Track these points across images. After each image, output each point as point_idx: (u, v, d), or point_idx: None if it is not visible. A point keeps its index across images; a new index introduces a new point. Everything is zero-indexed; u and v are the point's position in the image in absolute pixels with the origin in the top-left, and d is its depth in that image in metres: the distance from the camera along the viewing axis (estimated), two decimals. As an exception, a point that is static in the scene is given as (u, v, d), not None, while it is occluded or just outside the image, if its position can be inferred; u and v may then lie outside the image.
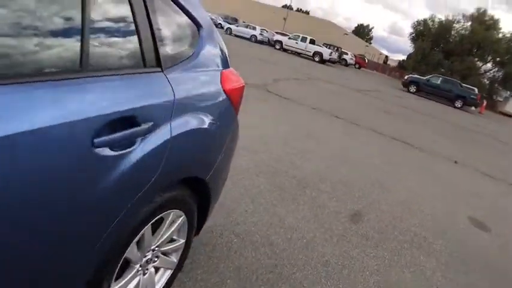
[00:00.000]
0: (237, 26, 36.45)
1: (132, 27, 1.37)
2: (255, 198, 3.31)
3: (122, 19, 1.38)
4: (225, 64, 1.98)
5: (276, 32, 37.83)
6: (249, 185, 3.56)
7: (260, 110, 6.86)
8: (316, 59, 30.17)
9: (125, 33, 1.39)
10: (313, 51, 30.66)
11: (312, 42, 31.28)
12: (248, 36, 33.74)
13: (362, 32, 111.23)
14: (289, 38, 32.28)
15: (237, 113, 2.04)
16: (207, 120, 1.70)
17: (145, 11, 1.41)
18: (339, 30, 69.15)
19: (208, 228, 2.65)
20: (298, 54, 31.38)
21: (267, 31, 36.47)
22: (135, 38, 1.38)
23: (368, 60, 52.30)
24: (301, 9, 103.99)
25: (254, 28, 34.64)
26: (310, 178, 4.17)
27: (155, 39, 1.45)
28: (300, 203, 3.49)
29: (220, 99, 1.85)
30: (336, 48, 38.26)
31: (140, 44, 1.39)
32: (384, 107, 13.04)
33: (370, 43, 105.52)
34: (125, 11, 1.36)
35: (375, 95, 16.54)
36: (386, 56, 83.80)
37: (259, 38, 33.80)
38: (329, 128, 7.09)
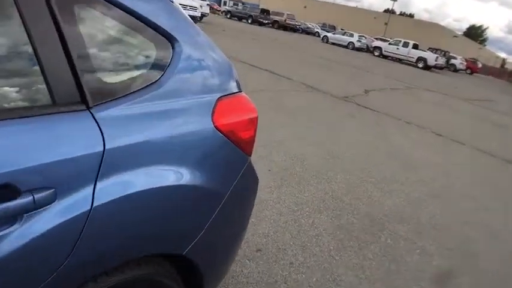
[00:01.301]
0: (334, 34, 35.50)
1: (28, 48, 0.89)
2: (308, 245, 2.67)
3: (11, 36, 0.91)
4: (228, 88, 1.44)
5: (376, 38, 35.98)
6: (305, 224, 2.93)
7: (341, 127, 6.12)
8: (420, 65, 27.86)
9: (16, 58, 0.92)
10: (416, 57, 28.39)
11: (415, 47, 29.02)
12: (345, 44, 32.64)
13: (474, 33, 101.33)
14: (390, 44, 30.38)
15: (247, 157, 1.48)
16: (173, 176, 1.17)
17: (51, 22, 0.92)
18: (448, 32, 63.83)
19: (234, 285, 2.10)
20: (400, 60, 29.32)
21: (365, 37, 34.92)
22: (32, 64, 0.90)
23: (481, 64, 47.13)
24: (404, 13, 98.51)
25: (351, 35, 33.39)
26: (389, 217, 3.38)
27: (73, 64, 0.95)
28: (368, 255, 2.75)
29: (208, 141, 1.30)
30: (443, 53, 35.08)
31: (43, 72, 0.91)
32: (498, 121, 11.22)
33: (484, 45, 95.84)
34: (15, 25, 0.88)
35: (487, 106, 14.46)
36: (504, 59, 75.08)
37: (356, 45, 32.48)
38: (422, 146, 6.06)
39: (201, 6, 20.04)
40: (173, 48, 1.26)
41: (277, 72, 9.95)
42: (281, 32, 33.64)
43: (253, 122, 1.48)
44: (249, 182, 1.58)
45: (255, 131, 1.51)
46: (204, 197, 1.32)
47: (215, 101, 1.35)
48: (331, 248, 2.71)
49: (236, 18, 37.61)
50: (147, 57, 1.23)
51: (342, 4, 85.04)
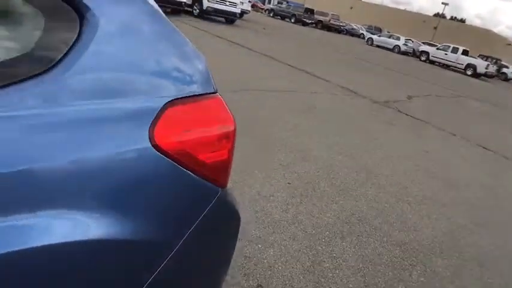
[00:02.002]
0: (379, 36, 34.33)
1: None
2: (321, 281, 2.23)
3: None
4: (188, 88, 1.02)
5: (423, 42, 34.46)
6: (322, 252, 2.49)
7: (378, 136, 5.58)
8: (469, 72, 26.31)
9: None
10: (465, 64, 26.85)
11: (465, 53, 27.46)
12: (391, 47, 31.54)
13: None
14: (438, 49, 28.93)
15: (215, 189, 1.08)
16: (67, 229, 0.79)
17: None
18: (500, 40, 60.44)
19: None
20: (447, 67, 27.87)
21: (412, 41, 33.55)
22: None
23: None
24: (455, 18, 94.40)
25: (398, 38, 32.16)
26: (425, 248, 2.87)
27: None
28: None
29: (141, 168, 0.91)
30: (494, 61, 33.12)
31: None
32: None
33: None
34: None
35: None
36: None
37: (402, 48, 31.28)
38: (468, 162, 5.41)
39: (241, 2, 19.72)
40: (82, 21, 0.86)
41: (314, 72, 9.46)
42: (324, 33, 32.92)
43: (227, 139, 1.06)
44: (220, 224, 1.16)
45: (231, 151, 1.09)
46: (132, 255, 0.91)
47: (160, 106, 0.94)
48: (350, 286, 2.26)
49: (279, 17, 37.14)
50: (29, 32, 0.84)
51: (390, 6, 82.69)
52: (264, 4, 48.26)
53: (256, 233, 2.54)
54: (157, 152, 0.92)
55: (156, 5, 1.08)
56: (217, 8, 17.26)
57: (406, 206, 3.48)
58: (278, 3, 41.73)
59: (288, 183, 3.35)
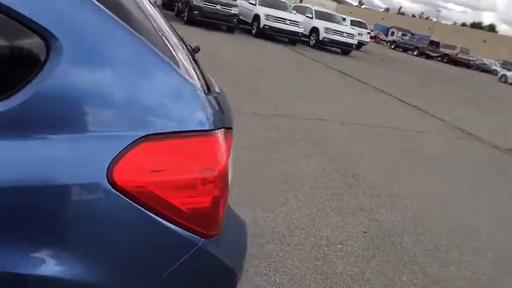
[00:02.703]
0: (517, 73, 30.74)
1: None
2: None
3: None
4: (170, 121, 0.90)
5: None
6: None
7: (493, 193, 4.78)
8: None
9: None
10: None
11: None
12: (529, 86, 27.90)
13: None
14: None
15: (194, 240, 0.93)
16: None
17: None
18: None
19: None
20: None
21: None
22: None
23: None
24: None
25: (540, 76, 28.39)
26: None
27: None
28: None
29: (95, 207, 0.84)
30: None
31: None
32: None
33: None
34: None
35: None
36: None
37: (545, 88, 27.43)
38: None
39: (359, 33, 19.39)
40: (48, 46, 0.79)
41: (425, 108, 8.68)
42: (450, 67, 30.63)
43: (212, 184, 0.93)
44: (201, 281, 1.00)
45: (217, 198, 0.94)
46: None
47: (128, 142, 0.84)
48: None
49: (400, 49, 35.71)
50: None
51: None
52: (386, 36, 46.95)
53: (310, 283, 2.25)
54: (115, 191, 0.83)
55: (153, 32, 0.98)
56: (334, 38, 17.15)
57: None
58: (402, 35, 40.21)
59: (364, 231, 2.97)
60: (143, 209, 0.86)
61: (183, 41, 1.68)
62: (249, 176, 3.42)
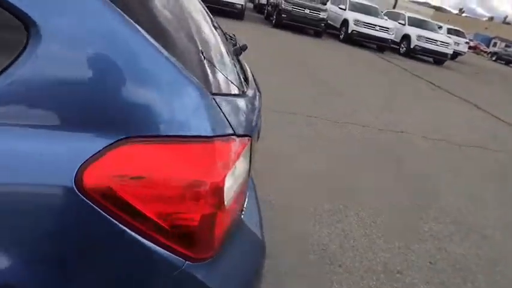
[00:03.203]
0: None
1: None
2: None
3: None
4: (158, 123, 0.80)
5: None
6: None
7: None
8: None
9: None
10: None
11: None
12: None
13: None
14: None
15: (177, 262, 0.84)
16: None
17: None
18: None
19: None
20: None
21: None
22: None
23: None
24: None
25: None
26: None
27: None
28: None
29: (57, 210, 0.77)
30: None
31: None
32: None
33: None
34: None
35: None
36: None
37: None
38: None
39: (456, 43, 17.98)
40: (28, 36, 0.75)
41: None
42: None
43: (200, 198, 0.82)
44: None
45: (209, 217, 0.84)
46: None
47: (109, 143, 0.77)
48: None
49: (503, 62, 32.58)
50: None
51: None
52: (488, 47, 43.21)
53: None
54: (81, 196, 0.76)
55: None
56: (426, 47, 16.11)
57: None
58: (506, 46, 36.69)
59: (430, 262, 2.67)
60: (113, 219, 0.78)
61: (226, 39, 1.61)
62: (312, 187, 3.27)
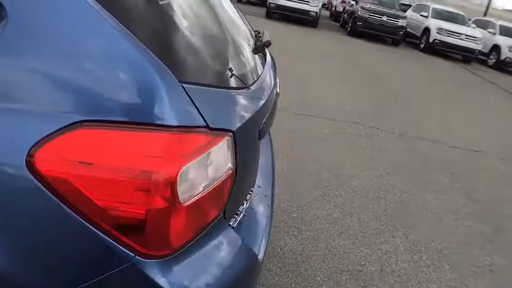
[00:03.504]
0: None
1: None
2: None
3: None
4: (114, 109, 0.78)
5: None
6: None
7: None
8: None
9: None
10: None
11: None
12: None
13: None
14: None
15: (123, 255, 0.80)
16: None
17: None
18: None
19: None
20: None
21: None
22: None
23: None
24: None
25: None
26: None
27: None
28: None
29: (6, 187, 0.77)
30: None
31: None
32: None
33: None
34: None
35: None
36: None
37: None
38: None
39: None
40: None
41: None
42: None
43: (147, 191, 0.77)
44: None
45: (156, 211, 0.79)
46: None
47: (63, 125, 0.75)
48: None
49: None
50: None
51: None
52: None
53: None
54: (32, 177, 0.75)
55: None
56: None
57: None
58: None
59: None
60: (60, 202, 0.76)
61: (249, 34, 1.54)
62: (361, 204, 3.06)
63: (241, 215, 1.19)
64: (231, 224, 1.10)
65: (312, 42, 11.35)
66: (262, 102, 1.19)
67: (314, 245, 2.46)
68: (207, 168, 0.89)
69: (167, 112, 0.79)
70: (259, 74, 1.35)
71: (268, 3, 14.21)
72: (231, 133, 0.94)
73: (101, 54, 0.79)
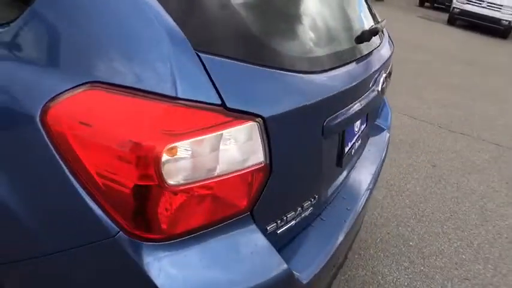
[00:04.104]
0: None
1: None
2: None
3: None
4: (119, 74, 0.73)
5: None
6: None
7: None
8: None
9: None
10: None
11: None
12: None
13: None
14: None
15: (117, 231, 0.76)
16: None
17: None
18: None
19: None
20: None
21: None
22: None
23: None
24: None
25: None
26: None
27: None
28: None
29: (17, 137, 0.80)
30: None
31: None
32: None
33: None
34: None
35: None
36: None
37: None
38: None
39: None
40: None
41: None
42: None
43: (130, 163, 0.72)
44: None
45: (141, 188, 0.73)
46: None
47: (75, 85, 0.73)
48: None
49: None
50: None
51: None
52: None
53: None
54: (42, 130, 0.75)
55: None
56: None
57: None
58: None
59: None
60: (59, 159, 0.75)
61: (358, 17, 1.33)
62: (503, 250, 2.48)
63: (291, 223, 1.01)
64: (264, 227, 0.93)
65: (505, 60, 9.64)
66: (334, 93, 0.98)
67: (425, 283, 2.05)
68: (216, 153, 0.77)
69: (170, 81, 0.71)
70: (348, 61, 1.12)
71: (452, 7, 12.81)
72: (260, 118, 0.80)
73: (112, 17, 0.75)
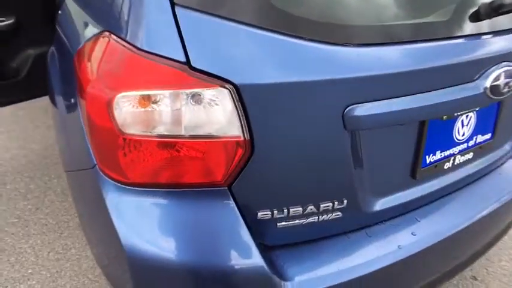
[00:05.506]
0: None
1: None
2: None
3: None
4: (126, 30, 0.77)
5: None
6: None
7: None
8: None
9: None
10: None
11: None
12: None
13: None
14: None
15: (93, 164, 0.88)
16: None
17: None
18: None
19: None
20: None
21: None
22: None
23: None
24: None
25: None
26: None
27: None
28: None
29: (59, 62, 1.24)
30: None
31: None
32: None
33: None
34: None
35: None
36: None
37: None
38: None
39: None
40: None
41: None
42: None
43: (95, 104, 0.79)
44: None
45: (108, 133, 0.77)
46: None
47: (98, 31, 0.87)
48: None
49: None
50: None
51: None
52: None
53: None
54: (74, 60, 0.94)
55: None
56: None
57: None
58: None
59: None
60: (76, 83, 0.89)
61: None
62: None
63: (298, 220, 0.86)
64: (254, 212, 0.82)
65: None
66: (364, 75, 0.76)
67: None
68: (177, 112, 0.73)
69: (139, 32, 0.72)
70: (405, 40, 0.82)
71: None
72: (231, 85, 0.69)
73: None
